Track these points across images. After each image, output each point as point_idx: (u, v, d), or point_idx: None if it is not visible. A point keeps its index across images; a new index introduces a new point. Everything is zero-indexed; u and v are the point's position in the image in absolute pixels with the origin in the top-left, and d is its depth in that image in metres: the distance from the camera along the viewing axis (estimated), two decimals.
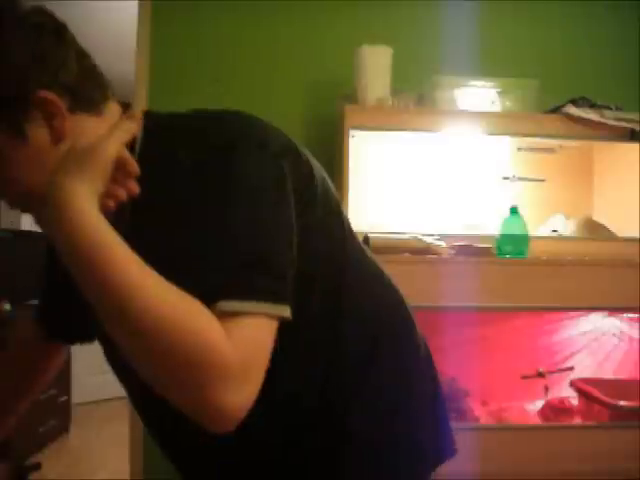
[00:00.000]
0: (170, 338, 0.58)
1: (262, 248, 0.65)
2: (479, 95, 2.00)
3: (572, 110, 1.90)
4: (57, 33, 0.73)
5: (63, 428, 3.51)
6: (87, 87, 0.74)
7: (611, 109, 1.92)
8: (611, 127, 1.90)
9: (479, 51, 2.22)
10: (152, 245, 0.64)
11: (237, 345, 0.59)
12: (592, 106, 1.93)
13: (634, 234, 1.94)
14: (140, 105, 2.18)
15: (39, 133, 0.70)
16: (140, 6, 2.19)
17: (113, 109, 0.77)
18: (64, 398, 3.52)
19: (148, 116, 0.76)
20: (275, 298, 0.64)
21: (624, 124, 1.90)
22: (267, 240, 0.66)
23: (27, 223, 4.06)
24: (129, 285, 0.58)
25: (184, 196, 0.68)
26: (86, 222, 0.60)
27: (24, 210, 0.79)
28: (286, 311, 0.64)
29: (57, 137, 0.71)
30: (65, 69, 0.71)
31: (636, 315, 1.96)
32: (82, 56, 0.76)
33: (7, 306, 3.02)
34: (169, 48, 2.20)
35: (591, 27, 2.31)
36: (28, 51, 0.69)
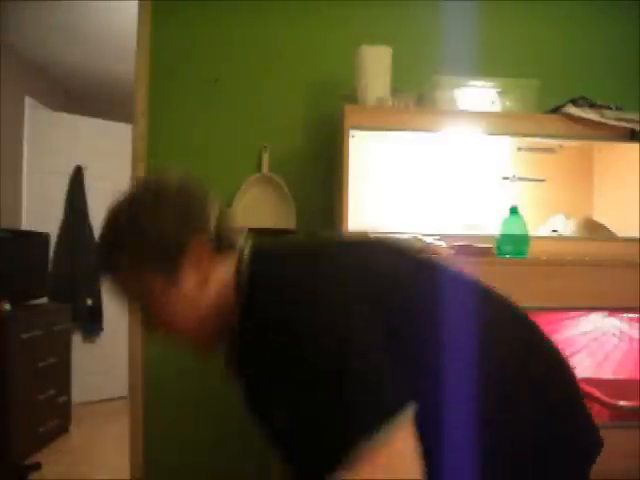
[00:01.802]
0: None
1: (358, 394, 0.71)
2: (479, 95, 2.00)
3: (572, 110, 1.90)
4: (202, 194, 0.88)
5: (63, 428, 3.51)
6: (225, 233, 0.88)
7: (611, 109, 1.92)
8: (611, 127, 1.90)
9: (479, 51, 2.22)
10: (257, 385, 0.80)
11: (381, 467, 0.67)
12: (592, 106, 1.93)
13: (634, 234, 1.94)
14: (140, 105, 2.18)
15: (188, 277, 0.85)
16: (140, 6, 2.19)
17: (235, 250, 0.89)
18: (64, 398, 3.51)
19: (255, 253, 0.87)
20: (389, 411, 0.69)
21: (624, 124, 1.90)
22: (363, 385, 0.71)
23: (27, 223, 4.06)
24: None
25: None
26: None
27: (191, 346, 0.95)
28: (402, 408, 0.70)
29: (203, 279, 0.85)
30: (208, 222, 0.86)
31: (636, 315, 1.96)
32: (221, 210, 0.89)
33: (7, 306, 3.02)
34: (169, 48, 2.20)
35: (591, 27, 2.31)
36: (182, 213, 0.85)
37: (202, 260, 0.85)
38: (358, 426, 0.68)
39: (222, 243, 0.87)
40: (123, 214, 0.88)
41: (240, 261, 0.85)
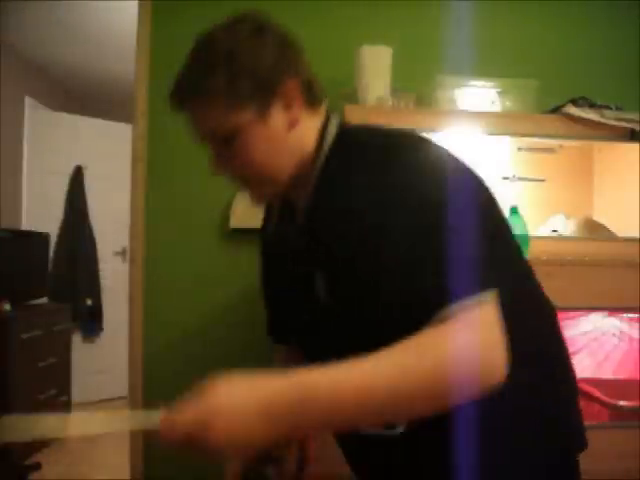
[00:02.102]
0: (435, 387, 0.67)
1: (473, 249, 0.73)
2: (479, 95, 2.00)
3: (572, 110, 1.90)
4: (297, 46, 0.89)
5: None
6: (314, 88, 0.88)
7: (611, 109, 1.92)
8: (611, 127, 1.90)
9: (479, 51, 2.22)
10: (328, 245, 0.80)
11: (470, 327, 0.68)
12: (592, 106, 1.93)
13: (634, 234, 1.94)
14: (140, 105, 2.18)
15: (278, 117, 0.83)
16: (140, 6, 2.19)
17: (322, 112, 0.90)
18: (64, 398, 3.51)
19: (344, 126, 0.90)
20: (485, 286, 0.70)
21: (624, 124, 1.90)
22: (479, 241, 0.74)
23: (27, 223, 4.06)
24: (375, 396, 0.67)
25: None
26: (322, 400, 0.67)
27: (253, 191, 0.91)
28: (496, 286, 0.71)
29: (292, 123, 0.84)
30: (303, 70, 0.86)
31: (636, 315, 1.96)
32: (309, 66, 0.89)
33: (7, 306, 3.02)
34: (169, 48, 2.20)
35: (591, 27, 2.31)
36: (280, 52, 0.84)
37: (293, 104, 0.84)
38: (465, 281, 0.70)
39: (312, 95, 0.87)
40: (220, 39, 0.85)
41: (328, 118, 0.89)
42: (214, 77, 0.81)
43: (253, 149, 0.83)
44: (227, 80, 0.81)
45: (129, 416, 0.70)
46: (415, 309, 0.70)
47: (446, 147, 0.85)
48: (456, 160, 0.84)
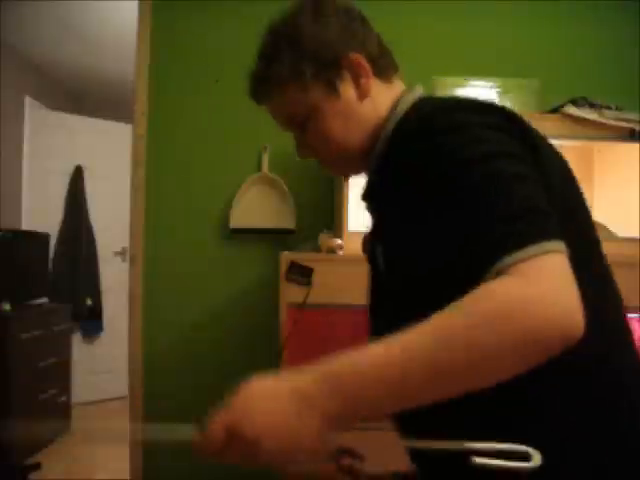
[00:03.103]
0: (495, 340, 0.58)
1: (520, 199, 0.65)
2: (479, 95, 2.00)
3: (572, 110, 1.90)
4: (362, 18, 0.92)
5: (63, 428, 3.51)
6: (384, 59, 0.89)
7: (611, 109, 1.92)
8: (611, 127, 1.90)
9: (479, 51, 2.22)
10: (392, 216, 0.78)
11: (535, 274, 0.60)
12: (592, 106, 1.93)
13: (634, 234, 1.94)
14: (140, 105, 2.18)
15: (348, 90, 0.85)
16: (140, 6, 2.19)
17: (398, 84, 0.91)
18: (64, 398, 3.51)
19: (422, 97, 0.87)
20: (549, 236, 0.63)
21: (624, 124, 1.90)
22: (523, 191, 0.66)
23: (27, 223, 4.06)
24: (433, 365, 0.60)
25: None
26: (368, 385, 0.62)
27: (338, 169, 0.97)
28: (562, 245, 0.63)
29: (362, 94, 0.85)
30: (369, 42, 0.88)
31: (636, 315, 1.96)
32: (379, 39, 0.92)
33: (7, 306, 3.02)
34: (169, 48, 2.21)
35: (591, 27, 2.31)
36: (342, 27, 0.87)
37: (361, 75, 0.85)
38: (519, 234, 0.62)
39: (383, 65, 0.88)
40: (281, 27, 0.91)
41: (408, 89, 0.89)
42: (278, 65, 0.86)
43: (329, 126, 0.86)
44: (291, 65, 0.85)
45: (161, 428, 0.67)
46: (470, 266, 0.63)
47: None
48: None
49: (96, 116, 4.50)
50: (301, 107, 0.86)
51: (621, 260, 1.84)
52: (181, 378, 2.16)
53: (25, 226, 4.04)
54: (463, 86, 1.99)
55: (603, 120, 1.90)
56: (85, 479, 2.89)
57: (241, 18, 2.21)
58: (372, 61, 0.86)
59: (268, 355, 2.09)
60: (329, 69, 0.84)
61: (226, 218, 2.17)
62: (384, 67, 0.88)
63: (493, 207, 0.65)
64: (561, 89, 2.05)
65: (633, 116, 1.91)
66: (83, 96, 4.97)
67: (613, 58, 2.30)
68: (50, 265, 3.89)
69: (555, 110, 1.95)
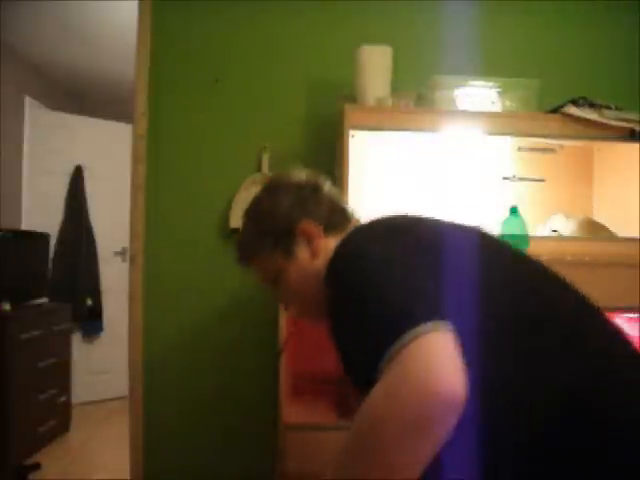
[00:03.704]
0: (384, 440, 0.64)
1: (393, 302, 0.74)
2: (479, 95, 2.00)
3: (572, 110, 1.90)
4: (314, 188, 1.08)
5: (63, 428, 3.51)
6: (336, 216, 1.06)
7: (611, 109, 1.92)
8: (611, 127, 1.90)
9: (479, 51, 2.22)
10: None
11: (412, 358, 0.65)
12: (592, 106, 1.93)
13: (634, 234, 1.94)
14: (140, 105, 2.18)
15: (303, 252, 1.03)
16: (140, 6, 2.19)
17: (350, 227, 1.03)
18: (64, 398, 3.51)
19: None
20: (420, 320, 0.68)
21: (624, 124, 1.90)
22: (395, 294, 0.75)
23: (27, 223, 4.06)
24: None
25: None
26: None
27: (301, 315, 1.12)
28: (445, 325, 0.68)
29: (314, 253, 1.02)
30: (319, 207, 1.05)
31: (636, 315, 1.96)
32: (332, 196, 1.10)
33: (7, 306, 3.02)
34: (169, 48, 2.20)
35: (591, 27, 2.31)
36: (293, 200, 1.05)
37: (312, 238, 1.02)
38: (389, 333, 0.68)
39: (333, 222, 1.05)
40: (248, 210, 1.11)
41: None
42: (244, 245, 1.10)
43: (290, 283, 1.04)
44: (253, 244, 1.07)
45: None
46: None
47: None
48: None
49: (96, 116, 4.50)
50: (269, 271, 1.07)
51: (621, 260, 1.85)
52: (181, 378, 2.16)
53: (25, 226, 4.04)
54: (463, 86, 1.99)
55: (603, 120, 1.90)
56: (85, 479, 2.89)
57: (241, 18, 2.21)
58: (323, 223, 1.03)
59: (268, 355, 2.09)
60: (285, 238, 1.03)
61: (226, 218, 2.17)
62: (335, 223, 1.05)
63: (373, 318, 0.74)
64: (561, 89, 2.06)
65: (633, 116, 1.91)
66: (83, 96, 4.97)
67: (613, 58, 2.30)
68: (50, 265, 3.89)
69: (555, 110, 1.95)
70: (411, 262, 0.80)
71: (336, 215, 1.07)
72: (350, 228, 1.02)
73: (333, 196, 1.10)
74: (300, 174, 1.11)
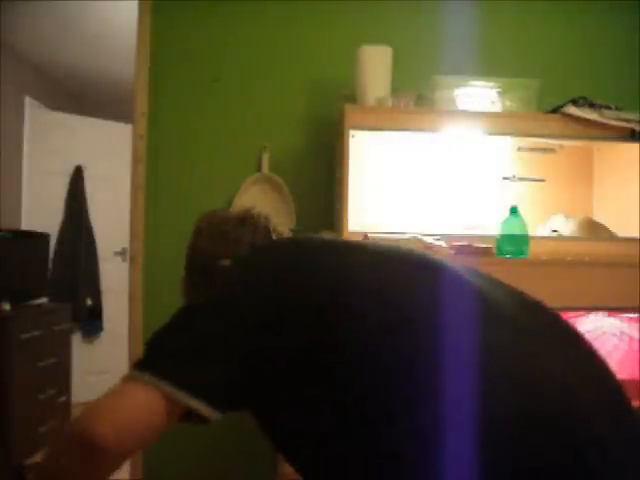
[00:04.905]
0: None
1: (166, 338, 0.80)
2: (479, 95, 2.00)
3: (572, 110, 1.90)
4: (240, 221, 1.05)
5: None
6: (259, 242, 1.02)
7: (611, 109, 1.92)
8: (611, 127, 1.90)
9: (479, 51, 2.22)
10: None
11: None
12: (592, 106, 1.93)
13: (634, 234, 1.94)
14: (140, 105, 2.18)
15: None
16: (140, 6, 2.19)
17: None
18: (64, 398, 3.51)
19: None
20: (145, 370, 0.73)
21: (624, 124, 1.90)
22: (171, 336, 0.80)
23: (27, 223, 4.06)
24: None
25: None
26: None
27: None
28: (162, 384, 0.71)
29: None
30: (239, 242, 1.02)
31: (636, 315, 1.96)
32: (256, 228, 1.05)
33: (7, 306, 3.02)
34: (169, 48, 2.20)
35: (591, 27, 2.31)
36: (212, 237, 1.04)
37: None
38: (143, 359, 0.75)
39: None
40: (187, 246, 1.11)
41: None
42: (184, 276, 1.09)
43: None
44: (186, 277, 1.08)
45: None
46: None
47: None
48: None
49: (96, 116, 4.50)
50: None
51: (621, 260, 1.85)
52: None
53: (25, 226, 4.03)
54: (463, 86, 1.99)
55: (603, 120, 1.90)
56: None
57: (241, 18, 2.21)
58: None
59: None
60: (206, 278, 1.00)
61: None
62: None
63: (157, 335, 0.81)
64: (561, 89, 2.06)
65: (633, 116, 1.91)
66: (83, 96, 4.97)
67: (613, 58, 2.30)
68: (50, 265, 3.88)
69: (555, 110, 1.95)
70: (236, 337, 0.75)
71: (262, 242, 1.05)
72: None
73: (257, 225, 1.06)
74: (228, 211, 1.14)
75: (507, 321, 0.74)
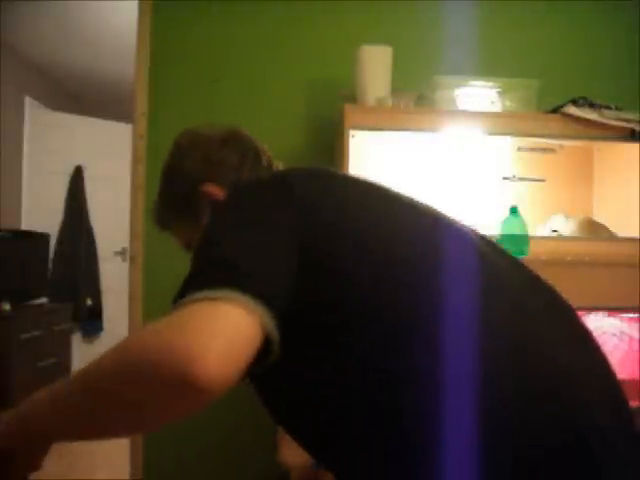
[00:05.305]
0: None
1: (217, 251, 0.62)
2: (479, 95, 2.00)
3: (572, 110, 1.90)
4: (223, 141, 0.97)
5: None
6: (243, 176, 0.93)
7: (611, 109, 1.92)
8: (611, 127, 1.90)
9: (479, 51, 2.22)
10: None
11: (176, 320, 0.53)
12: (592, 106, 1.93)
13: (634, 234, 1.94)
14: (140, 105, 2.18)
15: (207, 216, 0.86)
16: (140, 6, 2.19)
17: None
18: None
19: None
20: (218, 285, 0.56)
21: (624, 124, 1.90)
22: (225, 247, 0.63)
23: (27, 223, 4.07)
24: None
25: None
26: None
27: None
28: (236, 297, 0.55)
29: None
30: (223, 165, 0.94)
31: (636, 315, 1.96)
32: (244, 149, 0.97)
33: (7, 306, 3.02)
34: (169, 48, 2.20)
35: (591, 27, 2.31)
36: (195, 158, 0.96)
37: (215, 202, 0.89)
38: (192, 282, 0.58)
39: (243, 175, 0.94)
40: (162, 170, 1.05)
41: None
42: (159, 207, 1.02)
43: (191, 240, 0.95)
44: (164, 206, 1.00)
45: None
46: None
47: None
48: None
49: (96, 116, 4.50)
50: (181, 237, 0.99)
51: (621, 260, 1.85)
52: None
53: (25, 226, 4.04)
54: (463, 86, 1.99)
55: (603, 120, 1.90)
56: (85, 479, 2.89)
57: (241, 18, 2.21)
58: (227, 182, 0.92)
59: None
60: (189, 203, 0.94)
61: None
62: (247, 175, 0.94)
63: (196, 261, 0.63)
64: (561, 89, 2.06)
65: (633, 116, 1.91)
66: (83, 96, 4.97)
67: (613, 58, 2.30)
68: (50, 265, 3.89)
69: (555, 110, 1.95)
70: (281, 236, 0.64)
71: (245, 171, 0.94)
72: None
73: (245, 148, 0.97)
74: (211, 127, 1.03)
75: (508, 292, 0.70)
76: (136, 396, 0.54)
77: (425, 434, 0.59)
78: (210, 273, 0.58)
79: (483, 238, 0.79)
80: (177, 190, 0.97)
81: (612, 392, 0.70)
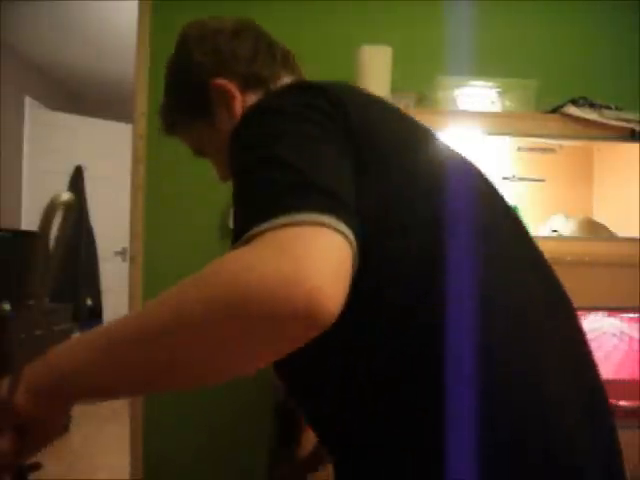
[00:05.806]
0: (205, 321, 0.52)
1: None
2: (479, 95, 2.00)
3: (572, 110, 1.90)
4: (234, 32, 0.90)
5: (63, 428, 3.51)
6: (256, 69, 0.86)
7: (611, 109, 1.92)
8: (611, 127, 1.90)
9: (479, 51, 2.22)
10: None
11: (279, 244, 0.49)
12: (592, 106, 1.93)
13: (634, 234, 1.94)
14: (140, 105, 2.18)
15: (222, 114, 0.84)
16: (140, 6, 2.19)
17: (285, 81, 0.87)
18: None
19: None
20: (313, 208, 0.52)
21: (624, 124, 1.90)
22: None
23: (27, 223, 4.07)
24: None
25: None
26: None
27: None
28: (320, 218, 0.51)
29: (233, 115, 0.83)
30: (235, 58, 0.86)
31: (636, 315, 1.96)
32: (256, 41, 0.89)
33: (7, 306, 3.02)
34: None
35: (591, 27, 2.31)
36: (204, 50, 0.88)
37: (228, 99, 0.84)
38: (261, 210, 0.54)
39: (252, 77, 0.85)
40: (166, 66, 0.98)
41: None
42: (166, 107, 0.97)
43: (213, 152, 0.90)
44: (172, 105, 0.95)
45: None
46: None
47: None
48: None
49: (96, 116, 4.50)
50: (193, 139, 0.93)
51: (621, 260, 1.85)
52: None
53: (25, 226, 4.04)
54: (463, 86, 1.99)
55: (603, 120, 1.90)
56: (85, 479, 2.89)
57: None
58: (239, 77, 0.85)
59: None
60: (198, 100, 0.87)
61: (226, 218, 2.17)
62: (256, 78, 0.86)
63: (252, 186, 0.62)
64: (561, 89, 2.06)
65: (633, 116, 1.91)
66: (83, 96, 4.97)
67: (613, 58, 2.30)
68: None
69: (555, 110, 1.95)
70: (335, 142, 0.61)
71: (258, 66, 0.86)
72: (287, 75, 0.89)
73: (257, 39, 0.90)
74: (220, 18, 0.95)
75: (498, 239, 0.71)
76: (241, 335, 0.49)
77: (426, 402, 0.57)
78: (286, 197, 0.53)
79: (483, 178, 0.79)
80: (186, 86, 0.90)
81: (590, 391, 0.71)
